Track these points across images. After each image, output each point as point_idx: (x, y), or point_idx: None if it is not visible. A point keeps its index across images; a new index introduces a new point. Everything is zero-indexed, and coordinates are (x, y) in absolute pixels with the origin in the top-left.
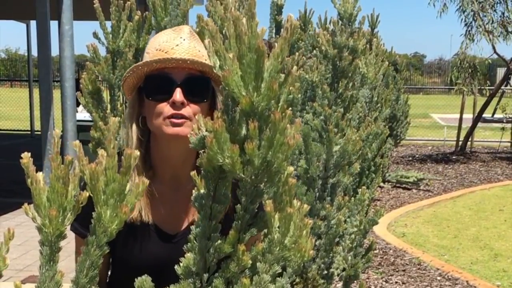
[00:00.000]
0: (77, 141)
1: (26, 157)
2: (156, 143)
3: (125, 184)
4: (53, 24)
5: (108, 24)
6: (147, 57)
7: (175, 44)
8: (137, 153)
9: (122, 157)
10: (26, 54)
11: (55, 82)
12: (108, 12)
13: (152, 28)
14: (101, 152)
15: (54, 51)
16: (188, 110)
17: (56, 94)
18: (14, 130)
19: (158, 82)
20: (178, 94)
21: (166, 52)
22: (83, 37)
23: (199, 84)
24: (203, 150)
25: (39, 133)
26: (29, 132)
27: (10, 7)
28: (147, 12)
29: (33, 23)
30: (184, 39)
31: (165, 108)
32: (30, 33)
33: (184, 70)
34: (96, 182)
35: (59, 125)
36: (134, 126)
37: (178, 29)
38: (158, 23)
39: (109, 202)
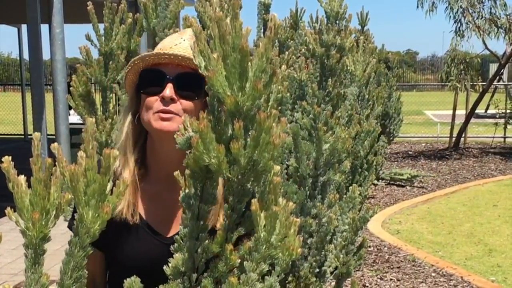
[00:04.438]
0: (56, 144)
1: (6, 161)
2: (151, 141)
3: (105, 184)
4: (45, 28)
5: (100, 26)
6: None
7: (174, 43)
8: (116, 152)
9: (101, 157)
10: (18, 58)
11: (47, 86)
12: (100, 14)
13: (143, 30)
14: (80, 153)
15: (47, 55)
16: (177, 107)
17: (49, 97)
18: (7, 134)
19: (150, 77)
20: (168, 90)
21: (165, 51)
22: (75, 40)
23: (191, 81)
24: (189, 151)
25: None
26: (22, 136)
27: (0, 11)
28: (138, 14)
29: (24, 27)
30: (184, 40)
31: (155, 103)
32: (21, 37)
33: (178, 67)
34: (77, 184)
35: (52, 129)
36: (127, 122)
37: (183, 31)
38: (149, 24)
39: (90, 203)
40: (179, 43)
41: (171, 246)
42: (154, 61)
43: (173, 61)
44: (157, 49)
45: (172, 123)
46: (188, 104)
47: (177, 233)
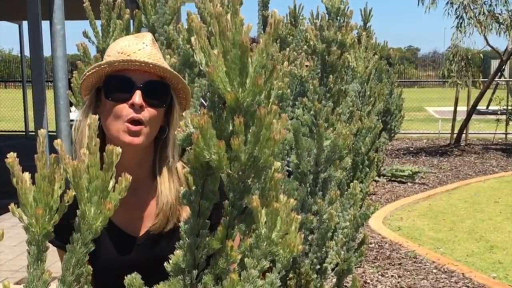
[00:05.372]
0: (59, 140)
1: (11, 157)
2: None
3: (108, 181)
4: (45, 24)
5: (98, 23)
6: (108, 59)
7: (138, 48)
8: (119, 149)
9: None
10: (19, 54)
11: (48, 83)
12: (98, 11)
13: (142, 26)
14: (82, 150)
15: (47, 51)
16: (145, 114)
17: (50, 94)
18: (8, 131)
19: (118, 83)
20: (137, 97)
21: (128, 55)
22: (75, 36)
23: (159, 89)
24: (190, 147)
25: (34, 133)
26: (23, 133)
27: (1, 7)
28: (136, 10)
29: (25, 24)
30: (146, 45)
31: (124, 110)
32: (22, 33)
33: (145, 74)
34: (79, 180)
35: (53, 125)
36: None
37: (141, 36)
38: (148, 20)
39: (92, 200)
40: (142, 48)
41: (177, 243)
42: (123, 67)
43: (142, 68)
44: (118, 53)
45: (140, 138)
46: (153, 112)
47: (147, 232)
